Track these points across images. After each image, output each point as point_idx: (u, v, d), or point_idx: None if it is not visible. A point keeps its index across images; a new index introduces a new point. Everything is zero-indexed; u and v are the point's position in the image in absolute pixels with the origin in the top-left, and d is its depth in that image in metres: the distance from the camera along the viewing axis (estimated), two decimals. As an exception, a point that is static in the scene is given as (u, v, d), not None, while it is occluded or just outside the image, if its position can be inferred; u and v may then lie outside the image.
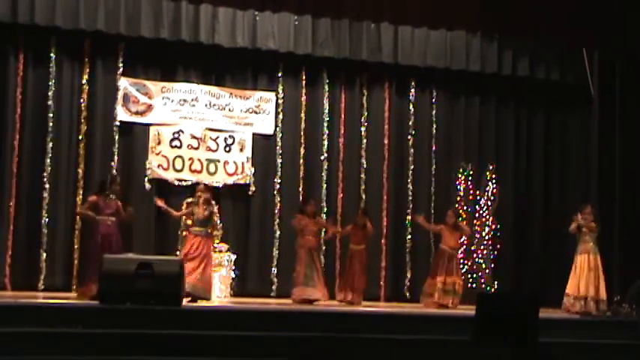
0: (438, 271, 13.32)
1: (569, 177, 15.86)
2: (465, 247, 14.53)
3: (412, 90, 15.51)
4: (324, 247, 14.71)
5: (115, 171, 13.70)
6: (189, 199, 13.64)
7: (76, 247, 13.69)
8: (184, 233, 13.65)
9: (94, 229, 12.07)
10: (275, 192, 14.75)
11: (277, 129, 14.87)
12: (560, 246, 13.14)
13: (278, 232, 14.58)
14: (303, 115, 15.03)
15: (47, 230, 13.61)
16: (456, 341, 9.49)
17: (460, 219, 14.30)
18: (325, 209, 14.93)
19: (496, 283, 14.69)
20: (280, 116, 14.90)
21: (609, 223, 13.93)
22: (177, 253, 13.59)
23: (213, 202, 12.86)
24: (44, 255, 13.54)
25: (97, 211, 12.06)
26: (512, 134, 15.90)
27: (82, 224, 13.30)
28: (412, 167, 15.40)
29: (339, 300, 13.42)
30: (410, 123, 15.47)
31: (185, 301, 11.39)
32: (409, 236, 15.23)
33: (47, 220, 13.62)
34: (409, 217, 15.20)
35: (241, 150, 14.65)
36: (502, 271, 14.93)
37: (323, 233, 14.12)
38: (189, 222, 12.97)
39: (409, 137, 15.44)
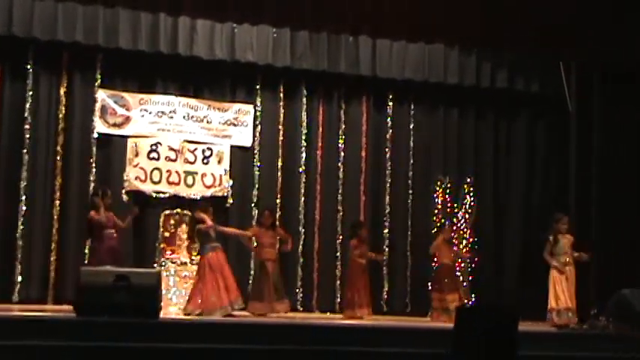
0: (442, 287, 13.37)
1: (548, 189, 15.90)
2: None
3: (390, 103, 15.55)
4: (301, 260, 14.73)
5: (92, 184, 13.64)
6: (168, 211, 13.70)
7: (52, 259, 13.61)
8: (162, 246, 13.62)
9: (99, 243, 12.09)
10: (253, 204, 14.72)
11: (255, 141, 14.86)
12: (540, 258, 13.14)
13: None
14: (281, 127, 15.03)
15: (23, 242, 13.52)
16: (433, 354, 9.49)
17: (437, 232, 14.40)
18: (303, 221, 14.91)
19: (474, 295, 14.66)
20: (258, 128, 14.89)
21: (587, 235, 13.98)
22: (155, 265, 13.55)
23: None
24: (19, 267, 13.45)
25: (101, 226, 12.15)
26: (492, 146, 15.95)
27: (91, 240, 12.89)
28: (389, 180, 15.42)
29: (349, 317, 13.19)
30: (387, 136, 15.50)
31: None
32: (386, 249, 15.23)
33: (23, 231, 13.55)
34: (386, 231, 15.23)
35: (219, 162, 14.62)
36: (481, 283, 14.91)
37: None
38: (166, 234, 12.95)
39: (386, 150, 15.46)
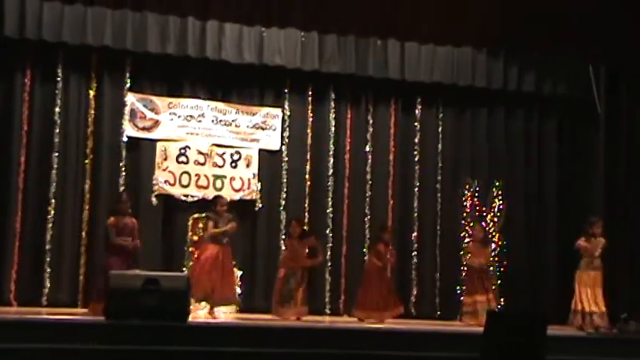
0: (473, 289, 13.31)
1: (577, 191, 15.77)
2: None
3: (418, 106, 15.49)
4: (329, 264, 14.72)
5: (121, 188, 13.70)
6: (197, 215, 13.78)
7: (82, 262, 13.67)
8: (191, 249, 13.68)
9: (114, 247, 12.06)
10: (281, 208, 14.74)
11: (283, 145, 14.87)
12: (570, 261, 13.09)
13: (284, 248, 14.53)
14: (309, 131, 15.02)
15: (52, 246, 13.59)
16: (464, 358, 9.47)
17: (466, 235, 14.40)
18: (330, 225, 14.90)
19: (503, 300, 14.60)
20: (287, 132, 14.89)
21: (617, 237, 13.90)
22: (184, 269, 13.59)
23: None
24: (49, 270, 13.51)
25: (116, 232, 12.11)
26: (520, 149, 15.84)
27: (106, 242, 12.57)
28: (418, 183, 15.36)
29: (359, 317, 13.24)
30: (416, 139, 15.45)
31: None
32: (414, 252, 15.19)
33: (52, 235, 13.62)
34: (414, 234, 15.19)
35: (248, 166, 14.64)
36: (510, 288, 14.83)
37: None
38: (195, 238, 12.99)
39: (415, 153, 15.42)
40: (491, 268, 14.64)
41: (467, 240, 14.63)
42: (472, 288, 13.42)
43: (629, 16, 14.23)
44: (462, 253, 14.53)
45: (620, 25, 14.36)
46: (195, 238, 13.48)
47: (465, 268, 14.06)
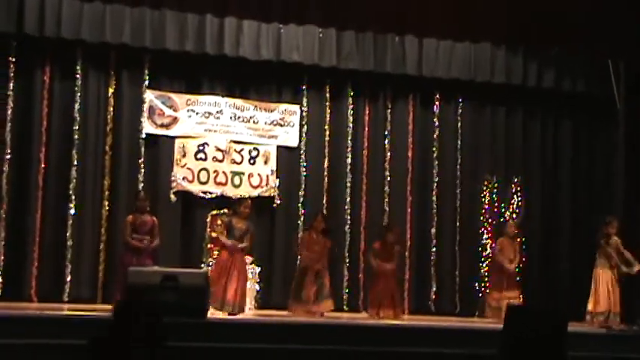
0: (501, 285, 13.30)
1: (596, 189, 15.73)
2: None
3: (436, 102, 15.47)
4: (347, 260, 14.72)
5: (140, 184, 13.74)
6: (215, 212, 13.79)
7: (101, 258, 13.73)
8: (209, 246, 13.70)
9: (128, 245, 12.12)
10: (299, 204, 14.74)
11: (302, 141, 14.87)
12: (588, 259, 13.05)
13: (301, 239, 14.51)
14: (327, 127, 15.02)
15: (73, 242, 13.65)
16: (483, 355, 9.44)
17: (485, 232, 14.37)
18: (349, 221, 14.90)
19: (521, 296, 14.57)
20: (305, 129, 14.90)
21: (636, 235, 13.83)
22: (202, 265, 13.62)
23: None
24: (70, 267, 13.57)
25: (133, 229, 12.14)
26: (539, 146, 15.79)
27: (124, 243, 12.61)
28: (436, 180, 15.34)
29: (371, 316, 13.17)
30: (434, 135, 15.42)
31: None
32: (434, 248, 15.17)
33: (72, 232, 13.67)
34: (433, 230, 15.17)
35: (266, 162, 14.65)
36: (528, 284, 14.80)
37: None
38: (213, 234, 13.01)
39: (433, 150, 15.39)
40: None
41: (485, 236, 14.63)
42: (499, 284, 13.39)
43: (634, 15, 14.14)
44: (480, 249, 14.53)
45: (628, 23, 14.28)
46: (214, 235, 13.49)
47: (492, 264, 14.04)
